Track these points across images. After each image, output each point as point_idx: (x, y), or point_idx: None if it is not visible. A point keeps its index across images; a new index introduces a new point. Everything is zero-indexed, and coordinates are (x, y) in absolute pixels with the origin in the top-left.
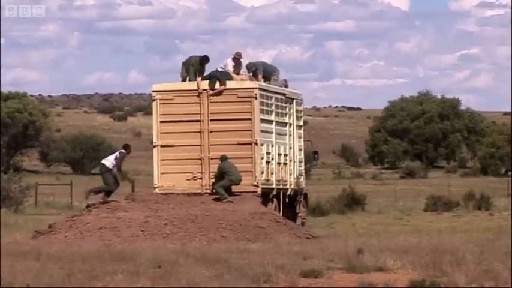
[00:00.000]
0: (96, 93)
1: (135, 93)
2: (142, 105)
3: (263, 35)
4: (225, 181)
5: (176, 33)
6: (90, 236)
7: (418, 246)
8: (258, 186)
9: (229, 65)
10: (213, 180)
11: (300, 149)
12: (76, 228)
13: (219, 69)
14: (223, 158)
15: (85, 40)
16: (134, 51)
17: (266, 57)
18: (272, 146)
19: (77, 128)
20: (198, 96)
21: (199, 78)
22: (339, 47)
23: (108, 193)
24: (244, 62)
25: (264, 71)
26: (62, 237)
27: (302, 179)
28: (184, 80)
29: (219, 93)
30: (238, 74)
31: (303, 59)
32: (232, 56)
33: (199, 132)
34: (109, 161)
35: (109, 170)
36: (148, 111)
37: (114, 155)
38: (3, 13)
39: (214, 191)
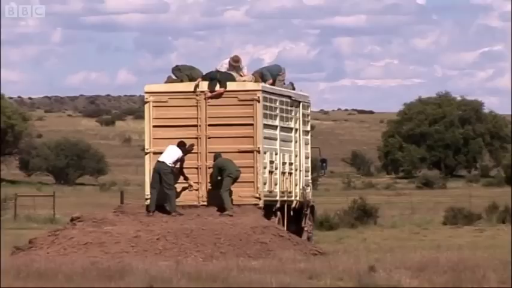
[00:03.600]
0: (81, 95)
1: (124, 95)
2: (133, 108)
3: (265, 31)
4: (226, 181)
5: (169, 29)
6: (75, 253)
7: (436, 263)
8: (260, 199)
9: (224, 69)
10: (211, 187)
11: (306, 157)
12: (59, 244)
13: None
14: (217, 156)
15: (69, 36)
16: (123, 49)
17: (268, 55)
18: (276, 154)
19: (60, 133)
20: (195, 98)
21: (199, 79)
22: (348, 44)
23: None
24: (242, 65)
25: (270, 75)
26: (43, 254)
27: (309, 189)
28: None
29: (219, 95)
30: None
31: (309, 57)
32: (230, 59)
33: (196, 138)
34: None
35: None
36: (138, 115)
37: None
38: (3, 13)
39: (221, 196)
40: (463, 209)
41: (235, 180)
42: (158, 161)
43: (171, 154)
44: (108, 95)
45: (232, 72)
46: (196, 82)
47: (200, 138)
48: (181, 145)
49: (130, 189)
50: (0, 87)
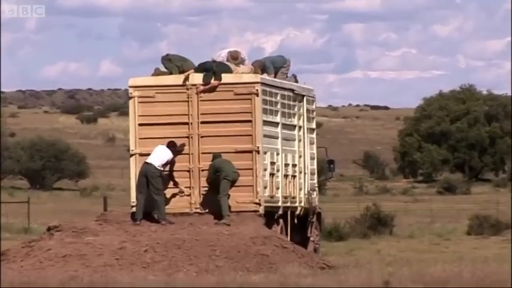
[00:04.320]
0: (60, 89)
1: (108, 89)
2: (117, 103)
3: (266, 16)
4: (223, 184)
5: (158, 14)
6: (52, 266)
7: (459, 278)
8: (260, 204)
9: (222, 59)
10: (205, 191)
11: (312, 158)
12: (35, 256)
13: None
14: (215, 156)
15: (45, 22)
16: (106, 37)
17: (270, 43)
18: (278, 154)
19: (36, 131)
20: (186, 92)
21: (191, 71)
22: (360, 31)
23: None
24: (242, 58)
25: (274, 67)
26: (17, 267)
27: (315, 194)
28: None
29: (212, 89)
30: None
31: (315, 46)
32: (228, 54)
33: (187, 137)
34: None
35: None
36: (124, 111)
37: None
38: (3, 13)
39: (219, 201)
40: (489, 216)
41: (233, 183)
42: (146, 163)
43: (159, 156)
44: (90, 89)
45: (229, 63)
46: (187, 73)
47: (192, 137)
48: (171, 146)
49: (114, 195)
50: (0, 85)
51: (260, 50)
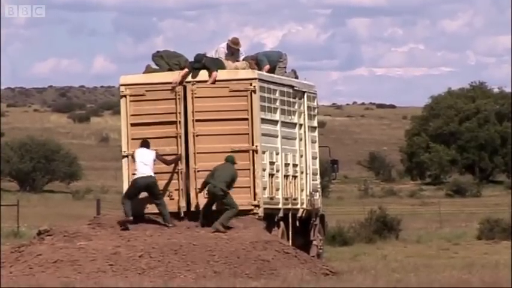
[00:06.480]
0: (51, 86)
1: (101, 86)
2: (111, 101)
3: (267, 11)
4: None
5: (154, 8)
6: (43, 272)
7: (469, 285)
8: (259, 206)
9: (221, 53)
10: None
11: (314, 158)
12: (25, 262)
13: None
14: (226, 158)
15: (36, 17)
16: (100, 32)
17: (270, 39)
18: (277, 153)
19: (26, 131)
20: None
21: (186, 70)
22: (365, 26)
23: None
24: (242, 50)
25: (268, 62)
26: (6, 274)
27: (317, 196)
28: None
29: (212, 82)
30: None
31: (318, 41)
32: (228, 41)
33: (181, 137)
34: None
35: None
36: (117, 110)
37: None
38: (3, 13)
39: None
40: (500, 220)
41: (211, 194)
42: (143, 177)
43: (147, 162)
44: (82, 87)
45: (228, 58)
46: (183, 72)
47: (186, 136)
48: (145, 145)
49: (108, 198)
50: (0, 83)
51: (260, 45)
